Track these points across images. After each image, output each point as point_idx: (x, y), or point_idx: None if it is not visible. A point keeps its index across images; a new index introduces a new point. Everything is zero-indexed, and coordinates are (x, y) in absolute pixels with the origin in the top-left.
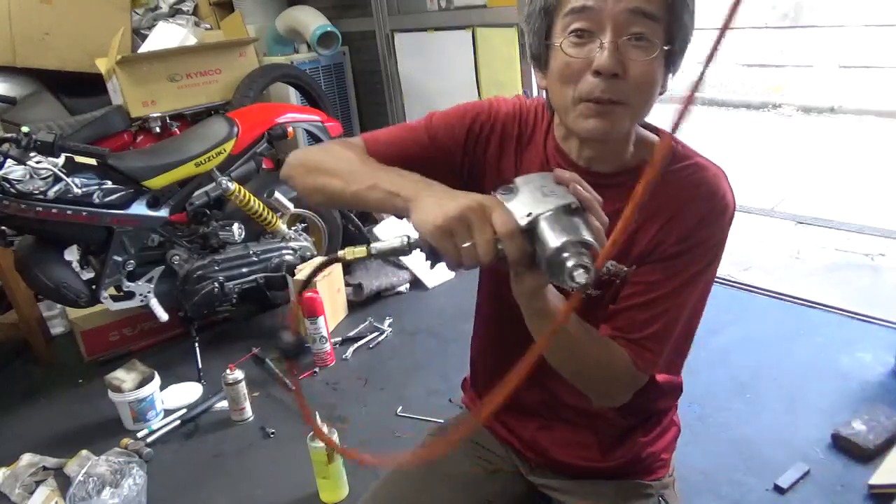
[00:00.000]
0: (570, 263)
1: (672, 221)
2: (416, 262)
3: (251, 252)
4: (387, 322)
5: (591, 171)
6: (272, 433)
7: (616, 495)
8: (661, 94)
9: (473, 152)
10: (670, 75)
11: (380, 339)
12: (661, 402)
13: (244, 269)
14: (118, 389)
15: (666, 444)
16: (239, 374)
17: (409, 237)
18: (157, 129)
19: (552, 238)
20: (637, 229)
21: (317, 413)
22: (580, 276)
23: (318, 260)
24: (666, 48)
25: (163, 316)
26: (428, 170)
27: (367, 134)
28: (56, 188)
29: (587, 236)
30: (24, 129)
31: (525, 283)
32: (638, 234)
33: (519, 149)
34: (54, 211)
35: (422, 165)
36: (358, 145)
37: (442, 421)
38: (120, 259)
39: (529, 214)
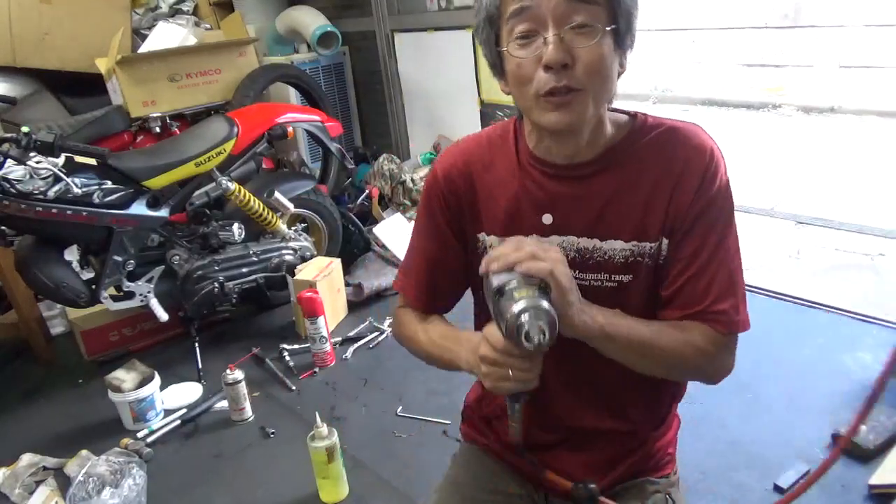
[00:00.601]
0: (526, 327)
1: (676, 191)
2: None
3: (251, 252)
4: (387, 322)
5: (574, 163)
6: (272, 433)
7: (626, 497)
8: (621, 73)
9: (459, 218)
10: (627, 52)
11: (380, 339)
12: (674, 401)
13: (244, 269)
14: (118, 389)
15: (671, 437)
16: (239, 374)
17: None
18: (157, 129)
19: (510, 306)
20: (644, 207)
21: (317, 413)
22: (535, 334)
23: None
24: (610, 28)
25: (163, 316)
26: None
27: (421, 295)
28: (56, 188)
29: (544, 303)
30: (24, 129)
31: (574, 328)
32: (647, 213)
33: (486, 179)
34: (54, 211)
35: (454, 253)
36: (409, 313)
37: (445, 422)
38: (120, 259)
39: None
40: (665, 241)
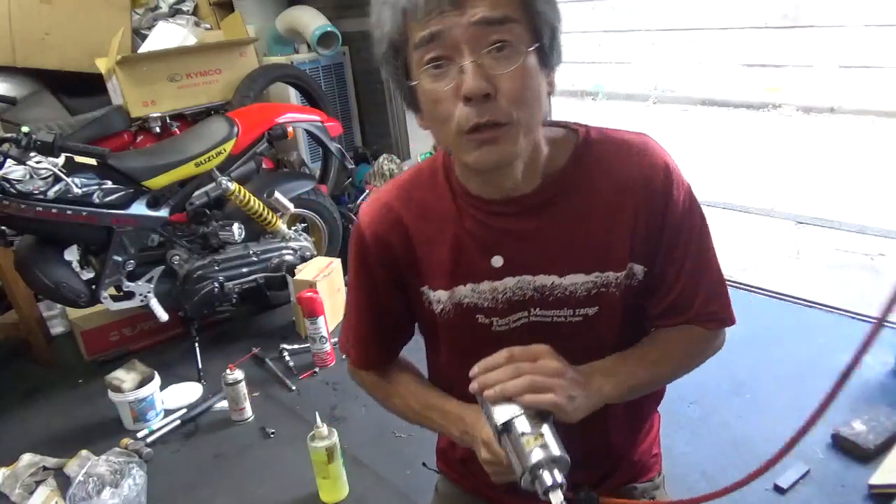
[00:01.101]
0: (546, 483)
1: (640, 215)
2: None
3: (251, 252)
4: None
5: (512, 198)
6: (272, 433)
7: None
8: (550, 93)
9: (396, 274)
10: (555, 70)
11: None
12: (655, 404)
13: (244, 269)
14: (118, 389)
15: (653, 438)
16: (239, 374)
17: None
18: (157, 129)
19: (526, 454)
20: (604, 234)
21: (317, 413)
22: (555, 499)
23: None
24: (533, 48)
25: (163, 316)
26: (402, 295)
27: (373, 360)
28: (56, 188)
29: (559, 451)
30: (24, 129)
31: (581, 409)
32: (608, 240)
33: (422, 227)
34: (54, 211)
35: (397, 309)
36: (369, 375)
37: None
38: (120, 259)
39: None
40: (637, 267)
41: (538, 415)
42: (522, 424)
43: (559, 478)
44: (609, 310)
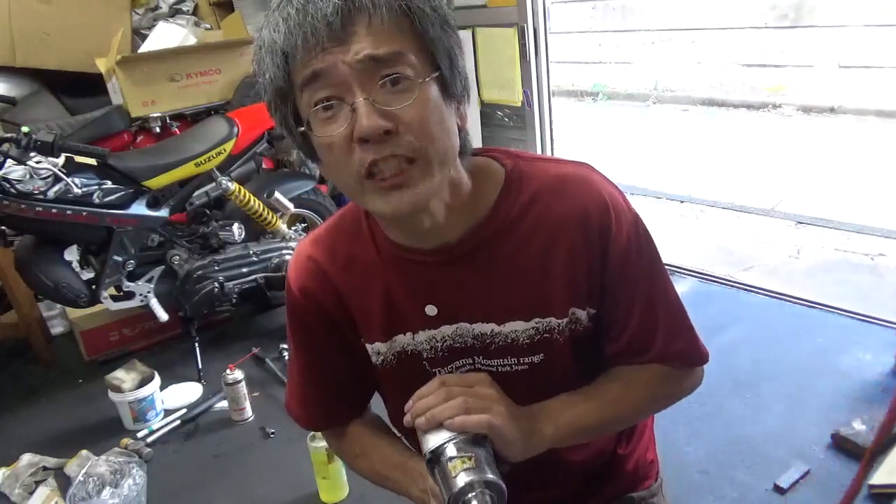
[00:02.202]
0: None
1: (579, 258)
2: None
3: (251, 252)
4: None
5: (438, 247)
6: (272, 433)
7: None
8: (461, 128)
9: (334, 331)
10: (463, 102)
11: None
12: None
13: (244, 269)
14: (118, 389)
15: (646, 444)
16: (239, 374)
17: None
18: (157, 129)
19: (456, 479)
20: (541, 279)
21: None
22: None
23: None
24: (431, 77)
25: (163, 316)
26: (348, 352)
27: (317, 419)
28: (56, 188)
29: (490, 475)
30: (24, 129)
31: (519, 447)
32: (546, 285)
33: (349, 281)
34: (54, 211)
35: (340, 364)
36: (330, 440)
37: None
38: (120, 259)
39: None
40: (582, 312)
41: (474, 441)
42: (452, 450)
43: (486, 499)
44: (557, 357)
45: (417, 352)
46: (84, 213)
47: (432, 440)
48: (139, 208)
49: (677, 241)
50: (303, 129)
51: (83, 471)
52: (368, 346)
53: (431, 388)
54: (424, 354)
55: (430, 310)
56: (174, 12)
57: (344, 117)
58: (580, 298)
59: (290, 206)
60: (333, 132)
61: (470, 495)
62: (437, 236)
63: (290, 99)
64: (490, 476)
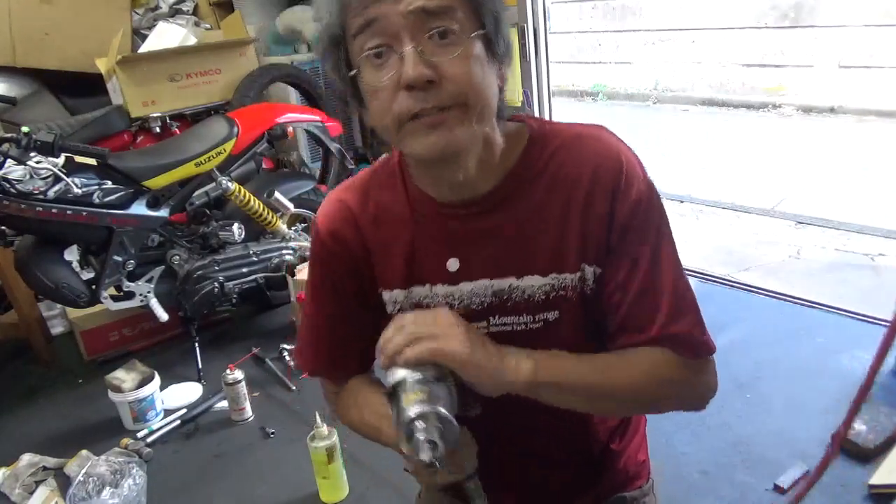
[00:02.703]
0: (419, 438)
1: (588, 210)
2: None
3: (251, 252)
4: None
5: (468, 199)
6: (272, 433)
7: None
8: (501, 88)
9: (356, 278)
10: (504, 63)
11: None
12: None
13: (244, 269)
14: (118, 389)
15: (638, 443)
16: (239, 374)
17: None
18: (157, 129)
19: (407, 408)
20: (557, 233)
21: (317, 413)
22: (425, 455)
23: None
24: (476, 34)
25: (163, 316)
26: (360, 305)
27: (320, 366)
28: (56, 188)
29: (440, 408)
30: (24, 129)
31: (498, 387)
32: (561, 239)
33: (377, 230)
34: (54, 211)
35: (356, 315)
36: (330, 390)
37: None
38: (120, 259)
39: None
40: (589, 269)
41: (436, 378)
42: (408, 385)
43: (434, 435)
44: (570, 316)
45: (434, 305)
46: (84, 213)
47: (391, 377)
48: (139, 208)
49: (677, 240)
50: (353, 73)
51: (83, 471)
52: (386, 294)
53: (395, 326)
54: None
55: (453, 264)
56: (174, 12)
57: (392, 65)
58: (589, 255)
59: (290, 206)
60: (382, 78)
61: (418, 425)
62: (468, 189)
63: (343, 45)
64: (441, 409)
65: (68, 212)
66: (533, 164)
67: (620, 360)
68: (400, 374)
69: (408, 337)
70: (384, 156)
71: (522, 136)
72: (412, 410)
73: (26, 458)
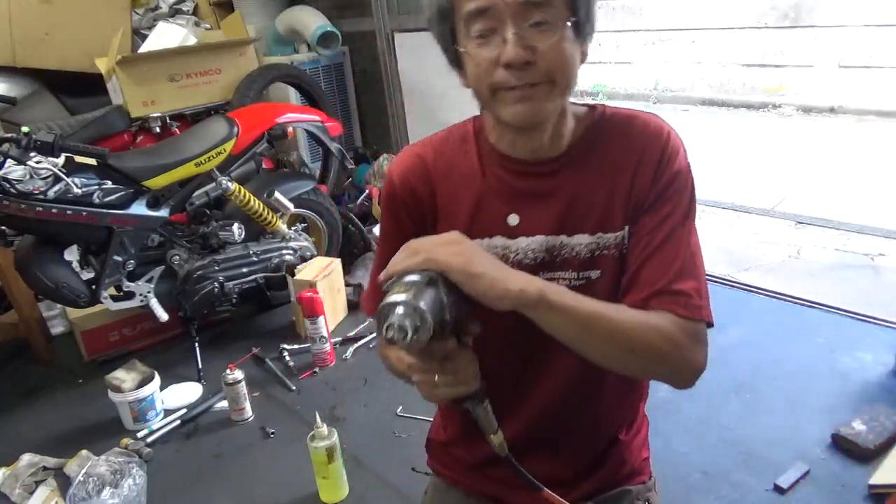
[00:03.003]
0: (389, 319)
1: (636, 176)
2: None
3: (251, 252)
4: None
5: (539, 159)
6: (272, 433)
7: None
8: (582, 60)
9: (422, 225)
10: (587, 40)
11: None
12: (641, 401)
13: (244, 269)
14: (118, 389)
15: (642, 439)
16: (239, 374)
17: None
18: (157, 129)
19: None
20: (606, 197)
21: (317, 413)
22: (390, 331)
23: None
24: (570, 22)
25: (163, 316)
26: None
27: (367, 305)
28: (56, 188)
29: (420, 302)
30: (24, 129)
31: (502, 295)
32: (609, 202)
33: (447, 181)
34: (54, 211)
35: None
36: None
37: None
38: (120, 259)
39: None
40: (628, 228)
41: (426, 284)
42: (397, 284)
43: (406, 322)
44: (609, 276)
45: None
46: (84, 213)
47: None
48: (139, 208)
49: None
50: (458, 48)
51: (83, 471)
52: None
53: (402, 249)
54: None
55: (513, 219)
56: (174, 12)
57: (495, 44)
58: (631, 216)
59: (290, 206)
60: (485, 54)
61: (394, 311)
62: (538, 152)
63: (450, 20)
64: (418, 304)
65: (68, 212)
66: (593, 138)
67: (629, 308)
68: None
69: (408, 251)
70: (459, 122)
71: (589, 116)
72: (390, 298)
73: (26, 458)
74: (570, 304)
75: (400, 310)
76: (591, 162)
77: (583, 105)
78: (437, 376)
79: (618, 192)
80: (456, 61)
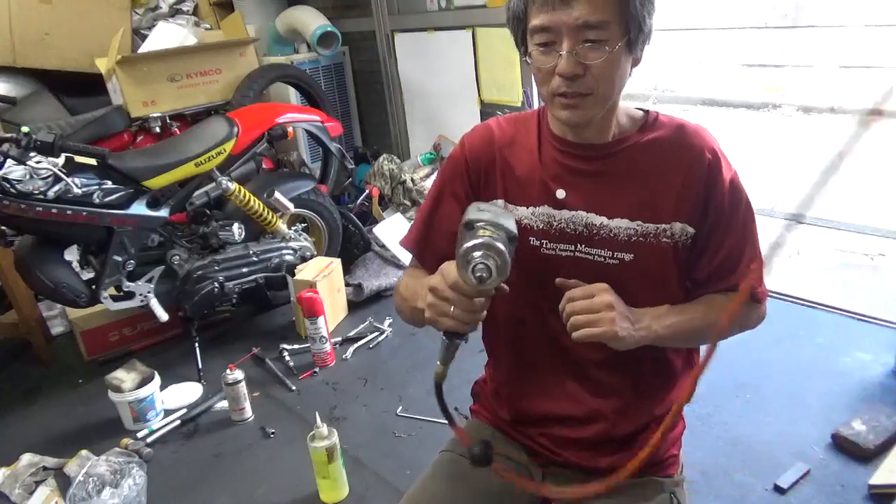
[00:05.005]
0: (476, 260)
1: (687, 182)
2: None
3: (251, 252)
4: (387, 322)
5: (590, 144)
6: (272, 433)
7: (629, 495)
8: (635, 64)
9: (476, 186)
10: (642, 47)
11: (380, 339)
12: (677, 384)
13: (244, 269)
14: (118, 389)
15: (675, 438)
16: (239, 374)
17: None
18: (157, 129)
19: (468, 240)
20: (651, 191)
21: (317, 413)
22: (480, 271)
23: None
24: (622, 42)
25: (163, 316)
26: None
27: (413, 243)
28: (56, 188)
29: (502, 246)
30: (24, 129)
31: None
32: (654, 197)
33: (508, 152)
34: (54, 211)
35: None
36: (409, 267)
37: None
38: (120, 259)
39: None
40: (679, 225)
41: (505, 235)
42: (485, 224)
43: (492, 266)
44: (642, 260)
45: (531, 225)
46: (84, 213)
47: (473, 215)
48: (139, 208)
49: None
50: (524, 49)
51: (83, 471)
52: (498, 202)
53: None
54: (538, 228)
55: (560, 193)
56: (174, 12)
57: (553, 55)
58: (683, 216)
59: (290, 206)
60: (544, 63)
61: (475, 253)
62: (590, 139)
63: (522, 26)
64: (500, 245)
65: (68, 212)
66: (643, 136)
67: (707, 304)
68: (483, 215)
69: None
70: (530, 110)
71: (643, 118)
72: (482, 239)
73: (26, 458)
74: (676, 327)
75: (495, 254)
76: (638, 156)
77: (639, 109)
78: (452, 308)
79: (666, 190)
80: (525, 54)
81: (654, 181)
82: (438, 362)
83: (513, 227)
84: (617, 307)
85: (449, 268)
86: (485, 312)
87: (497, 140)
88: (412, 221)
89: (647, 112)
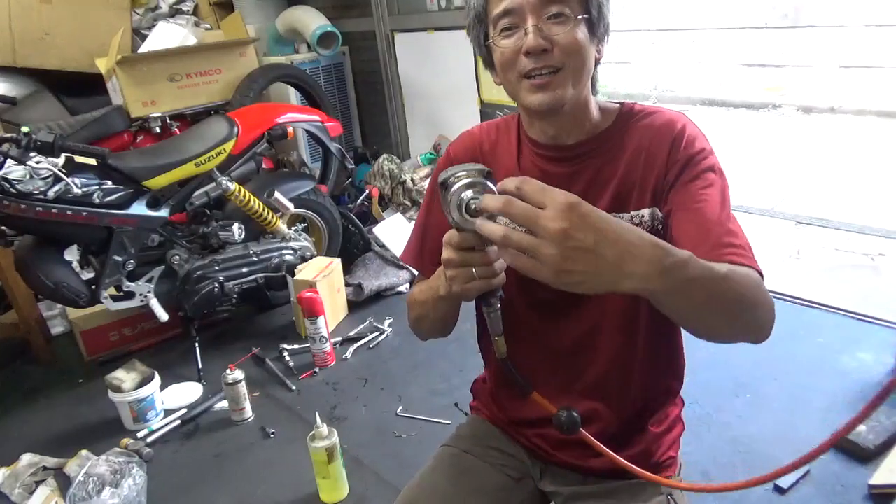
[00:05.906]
0: (466, 199)
1: (652, 160)
2: None
3: (251, 252)
4: (387, 322)
5: (564, 144)
6: (272, 433)
7: (626, 495)
8: (598, 59)
9: None
10: (603, 42)
11: (380, 339)
12: (670, 384)
13: (244, 269)
14: (118, 389)
15: (673, 440)
16: (239, 374)
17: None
18: (157, 129)
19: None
20: (621, 178)
21: (317, 413)
22: (475, 203)
23: None
24: (583, 17)
25: (163, 316)
26: None
27: (412, 256)
28: (56, 188)
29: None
30: (24, 129)
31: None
32: (623, 183)
33: (489, 157)
34: (54, 211)
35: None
36: (416, 280)
37: (445, 422)
38: (120, 259)
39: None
40: (647, 211)
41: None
42: (461, 173)
43: (473, 192)
44: None
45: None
46: (84, 213)
47: (445, 174)
48: (139, 208)
49: None
50: (489, 43)
51: (83, 471)
52: None
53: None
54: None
55: None
56: (174, 12)
57: (517, 36)
58: (646, 198)
59: (290, 206)
60: (509, 45)
61: (465, 193)
62: (562, 137)
63: (484, 23)
64: (484, 180)
65: (68, 212)
66: (617, 129)
67: (728, 267)
68: (455, 169)
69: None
70: (508, 115)
71: (617, 111)
72: (464, 181)
73: (26, 458)
74: (709, 272)
75: (482, 188)
76: (613, 149)
77: (614, 103)
78: (474, 270)
79: (634, 176)
80: (489, 61)
81: (628, 174)
82: (494, 337)
83: (481, 166)
84: (574, 235)
85: (450, 236)
86: (503, 262)
87: (481, 145)
88: (412, 223)
89: (621, 104)
